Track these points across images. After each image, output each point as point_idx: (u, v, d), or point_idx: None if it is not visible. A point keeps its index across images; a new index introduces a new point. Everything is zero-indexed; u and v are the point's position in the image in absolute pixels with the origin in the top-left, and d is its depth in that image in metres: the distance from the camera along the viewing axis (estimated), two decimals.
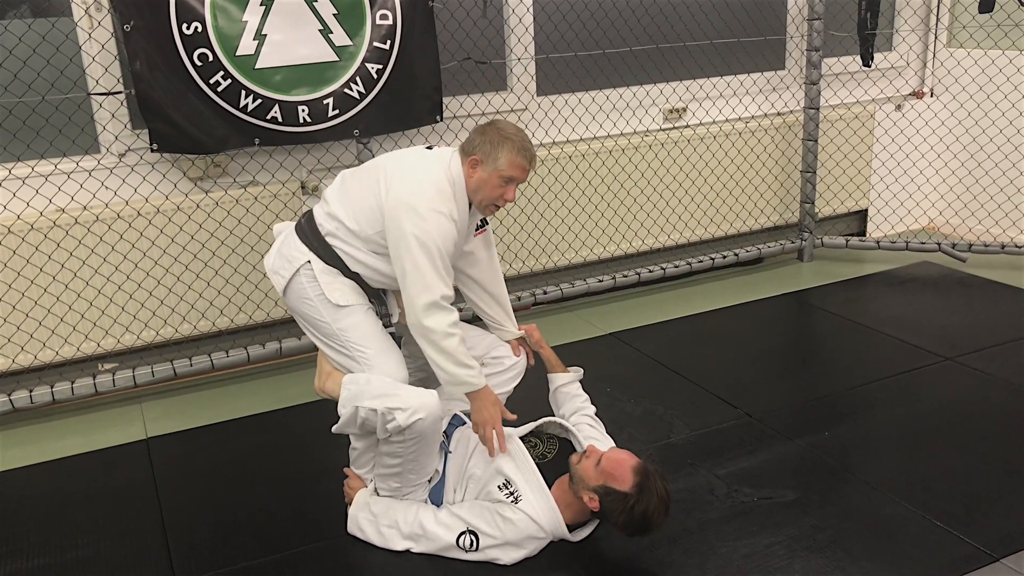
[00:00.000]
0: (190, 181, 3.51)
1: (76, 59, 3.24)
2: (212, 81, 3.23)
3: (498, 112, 4.00)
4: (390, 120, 3.60)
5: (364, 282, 2.50)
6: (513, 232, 4.07)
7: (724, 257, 4.52)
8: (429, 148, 2.53)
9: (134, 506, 2.74)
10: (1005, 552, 2.33)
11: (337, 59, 3.40)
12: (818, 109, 4.51)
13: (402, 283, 2.37)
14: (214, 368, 3.52)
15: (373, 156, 3.63)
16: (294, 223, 2.58)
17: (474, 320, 2.84)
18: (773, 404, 3.17)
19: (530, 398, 2.80)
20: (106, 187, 3.35)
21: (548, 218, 4.14)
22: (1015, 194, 4.58)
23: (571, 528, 2.36)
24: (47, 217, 3.25)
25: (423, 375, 2.65)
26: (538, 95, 4.12)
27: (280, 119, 3.36)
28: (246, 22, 3.21)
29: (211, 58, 3.20)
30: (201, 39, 3.17)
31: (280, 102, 3.34)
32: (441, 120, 3.75)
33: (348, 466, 2.59)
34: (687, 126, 4.45)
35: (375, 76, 3.49)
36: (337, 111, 3.45)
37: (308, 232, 2.49)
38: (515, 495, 2.34)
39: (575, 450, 2.51)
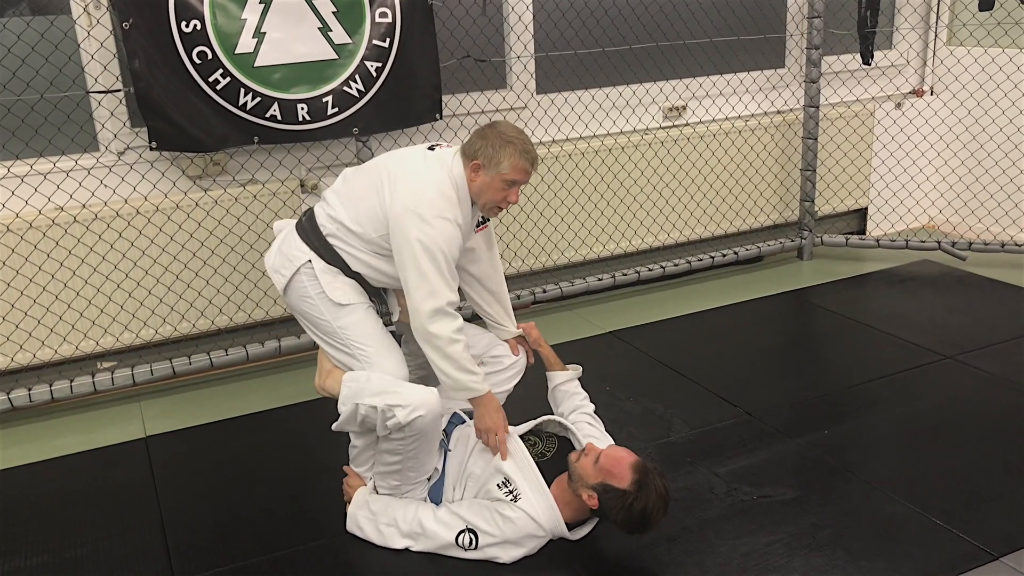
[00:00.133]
0: (189, 179, 3.50)
1: (75, 57, 3.23)
2: (211, 79, 3.22)
3: (497, 110, 4.00)
4: (389, 118, 3.59)
5: (365, 281, 2.50)
6: (513, 231, 4.07)
7: (724, 255, 4.52)
8: (431, 148, 2.50)
9: (133, 504, 2.74)
10: (1005, 550, 2.33)
11: (336, 57, 3.40)
12: (818, 107, 4.51)
13: (407, 289, 2.36)
14: (213, 366, 3.52)
15: (372, 154, 3.63)
16: (294, 221, 2.57)
17: (473, 318, 2.84)
18: (773, 402, 3.17)
19: (529, 396, 2.80)
20: (105, 185, 3.35)
21: (548, 216, 4.13)
22: (1015, 192, 4.58)
23: (570, 526, 2.36)
24: (46, 215, 3.25)
25: (423, 373, 2.64)
26: (538, 93, 4.11)
27: (279, 117, 3.36)
28: (245, 20, 3.21)
29: (210, 56, 3.19)
30: (200, 37, 3.16)
31: (279, 100, 3.34)
32: (440, 118, 3.74)
33: (347, 464, 2.59)
34: (687, 124, 4.45)
35: (374, 74, 3.49)
36: (336, 109, 3.45)
37: (309, 231, 2.49)
38: (514, 493, 2.33)
39: (574, 448, 2.51)
